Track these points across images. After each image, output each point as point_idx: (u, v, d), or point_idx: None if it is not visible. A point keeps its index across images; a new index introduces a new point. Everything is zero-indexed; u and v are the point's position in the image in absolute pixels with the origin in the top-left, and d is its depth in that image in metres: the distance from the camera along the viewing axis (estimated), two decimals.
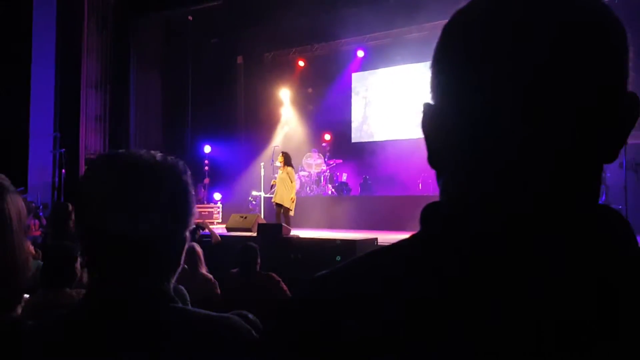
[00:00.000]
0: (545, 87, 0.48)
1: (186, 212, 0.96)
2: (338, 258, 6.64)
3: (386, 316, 0.49)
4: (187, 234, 0.98)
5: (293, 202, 8.58)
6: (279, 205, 8.50)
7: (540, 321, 0.46)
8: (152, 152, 0.97)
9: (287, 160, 8.63)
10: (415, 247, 0.55)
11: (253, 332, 0.92)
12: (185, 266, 3.71)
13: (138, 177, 0.91)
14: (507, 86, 0.49)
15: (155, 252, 0.91)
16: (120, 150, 0.97)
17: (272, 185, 9.34)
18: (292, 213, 8.54)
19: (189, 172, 0.98)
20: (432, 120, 0.57)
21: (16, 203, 1.12)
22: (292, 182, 8.49)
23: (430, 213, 0.56)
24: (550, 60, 0.49)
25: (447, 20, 0.57)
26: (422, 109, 0.58)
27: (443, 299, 0.48)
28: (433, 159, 0.58)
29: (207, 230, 7.11)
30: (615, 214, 0.52)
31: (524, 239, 0.49)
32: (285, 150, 9.23)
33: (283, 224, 7.74)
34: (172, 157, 0.98)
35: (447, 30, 0.56)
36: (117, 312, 0.89)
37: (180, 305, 0.93)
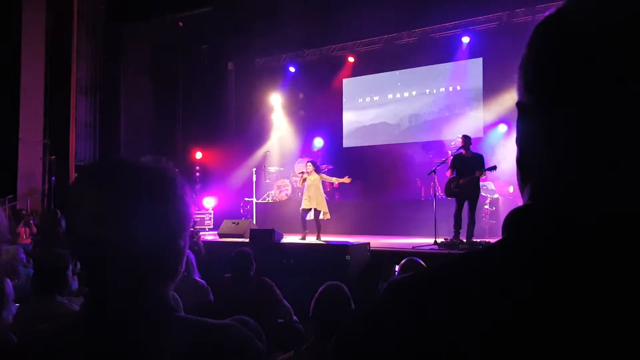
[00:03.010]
0: None
1: (182, 218, 0.93)
2: (348, 257, 6.65)
3: (489, 318, 0.48)
4: (184, 240, 0.96)
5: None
6: (307, 210, 8.48)
7: None
8: (144, 157, 0.94)
9: (317, 168, 8.71)
10: (516, 251, 0.53)
11: (255, 340, 0.92)
12: None
13: (130, 185, 0.89)
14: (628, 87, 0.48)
15: (151, 261, 0.89)
16: (112, 157, 0.96)
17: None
18: (328, 216, 8.56)
19: (181, 177, 0.96)
20: (525, 120, 0.56)
21: None
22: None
23: (525, 217, 0.54)
24: None
25: (539, 21, 0.56)
26: (517, 107, 0.57)
27: (564, 302, 0.47)
28: (524, 161, 0.57)
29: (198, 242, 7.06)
30: None
31: None
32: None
33: (275, 229, 7.74)
34: (165, 161, 0.95)
35: (545, 30, 0.55)
36: (117, 323, 0.87)
37: (182, 314, 0.92)
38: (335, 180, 9.21)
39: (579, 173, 0.51)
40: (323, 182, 11.96)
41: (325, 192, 11.80)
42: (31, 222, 8.25)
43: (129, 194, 0.89)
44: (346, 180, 8.88)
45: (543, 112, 0.54)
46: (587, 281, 0.47)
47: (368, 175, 12.08)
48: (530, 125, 0.56)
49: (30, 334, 0.95)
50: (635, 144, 0.48)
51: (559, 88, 0.52)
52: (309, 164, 8.77)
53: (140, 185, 0.90)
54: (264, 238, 7.50)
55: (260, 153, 13.07)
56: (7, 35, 10.94)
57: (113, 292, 0.89)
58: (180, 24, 12.98)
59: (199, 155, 13.50)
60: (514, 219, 0.54)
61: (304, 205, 8.49)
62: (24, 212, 9.02)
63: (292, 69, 13.75)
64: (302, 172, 9.01)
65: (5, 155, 10.80)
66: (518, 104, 0.57)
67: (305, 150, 12.86)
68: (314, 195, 8.42)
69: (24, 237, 7.96)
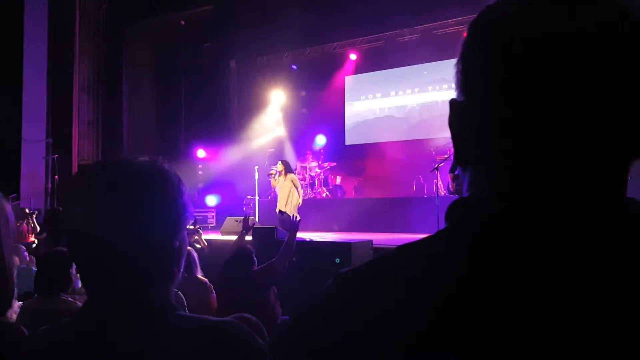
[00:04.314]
0: (587, 91, 0.49)
1: (176, 219, 0.94)
2: (337, 260, 6.64)
3: (425, 313, 0.49)
4: (181, 240, 0.95)
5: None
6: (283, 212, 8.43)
7: (611, 318, 0.45)
8: (141, 158, 0.95)
9: (288, 168, 8.54)
10: (451, 243, 0.54)
11: (256, 336, 0.92)
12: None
13: (123, 186, 0.90)
14: (547, 85, 0.49)
15: (147, 261, 0.89)
16: (108, 158, 0.96)
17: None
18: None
19: (179, 177, 0.96)
20: (461, 116, 0.57)
21: (4, 209, 1.10)
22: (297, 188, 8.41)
23: (463, 208, 0.55)
24: (590, 66, 0.48)
25: (474, 17, 0.56)
26: (449, 105, 0.58)
27: (503, 295, 0.48)
28: (460, 155, 0.58)
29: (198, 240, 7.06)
30: None
31: (573, 232, 0.48)
32: (276, 153, 9.05)
33: (277, 227, 7.73)
34: (163, 162, 0.96)
35: (476, 28, 0.55)
36: (118, 322, 0.88)
37: (183, 312, 0.93)
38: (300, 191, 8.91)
39: (504, 170, 0.53)
40: (325, 179, 11.99)
41: (328, 190, 11.83)
42: (34, 220, 8.26)
43: (123, 194, 0.89)
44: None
45: (475, 110, 0.55)
46: (496, 272, 0.49)
47: (370, 172, 12.08)
48: (465, 122, 0.57)
49: (33, 333, 0.96)
50: (562, 145, 0.50)
51: (489, 89, 0.53)
52: (280, 163, 8.50)
53: (134, 186, 0.90)
54: (266, 236, 7.50)
55: (262, 151, 13.06)
56: (9, 34, 10.95)
57: (110, 293, 0.89)
58: (182, 22, 12.98)
59: (201, 153, 13.50)
60: (455, 211, 0.56)
61: (280, 206, 8.31)
62: (27, 210, 9.03)
63: (294, 67, 13.74)
64: (273, 170, 8.76)
65: (8, 154, 10.82)
66: (451, 102, 0.58)
67: (308, 148, 12.85)
68: (285, 196, 8.18)
69: (27, 235, 7.97)
